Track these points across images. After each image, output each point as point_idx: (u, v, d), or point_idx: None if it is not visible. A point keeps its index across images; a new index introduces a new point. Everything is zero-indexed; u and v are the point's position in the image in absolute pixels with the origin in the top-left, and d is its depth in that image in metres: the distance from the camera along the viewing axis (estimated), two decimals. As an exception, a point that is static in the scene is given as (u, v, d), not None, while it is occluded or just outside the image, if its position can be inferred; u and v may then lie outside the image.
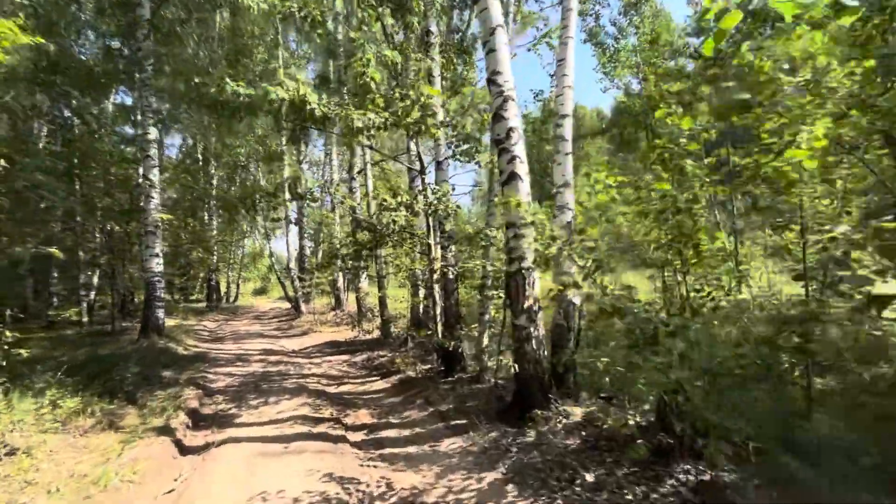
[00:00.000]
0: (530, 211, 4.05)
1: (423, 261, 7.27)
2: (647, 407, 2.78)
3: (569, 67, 5.10)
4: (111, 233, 13.99)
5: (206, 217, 22.70)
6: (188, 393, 6.02)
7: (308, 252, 22.08)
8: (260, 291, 43.35)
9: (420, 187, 6.35)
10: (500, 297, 5.81)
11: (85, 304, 16.54)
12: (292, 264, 15.07)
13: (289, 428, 4.66)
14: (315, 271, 10.89)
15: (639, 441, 2.61)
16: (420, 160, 6.35)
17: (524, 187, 4.26)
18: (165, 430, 4.57)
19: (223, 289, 28.73)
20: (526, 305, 4.10)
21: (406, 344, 8.30)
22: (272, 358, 8.60)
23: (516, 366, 4.02)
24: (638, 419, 2.74)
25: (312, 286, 14.28)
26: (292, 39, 14.99)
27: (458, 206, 6.16)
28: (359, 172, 12.00)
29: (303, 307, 15.12)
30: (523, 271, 4.13)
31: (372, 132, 4.89)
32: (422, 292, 8.78)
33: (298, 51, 15.54)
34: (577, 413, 3.97)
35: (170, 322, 15.27)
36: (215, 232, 22.81)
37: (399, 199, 5.23)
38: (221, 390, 6.43)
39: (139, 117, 10.02)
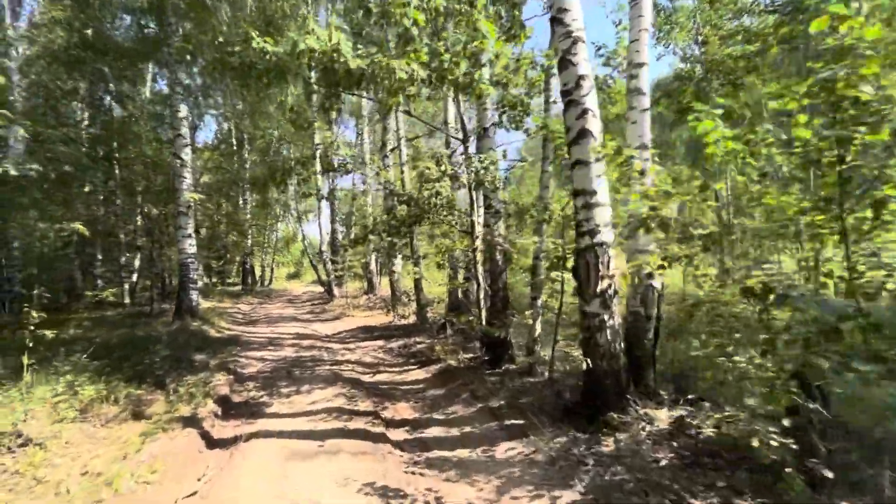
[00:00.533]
0: (608, 174, 3.34)
1: (464, 240, 6.65)
2: (784, 422, 2.07)
3: (645, 8, 4.28)
4: (149, 215, 14.11)
5: (240, 201, 22.88)
6: (219, 378, 5.70)
7: (340, 236, 21.92)
8: (293, 275, 44.08)
9: (463, 158, 5.69)
10: (554, 281, 5.14)
11: (126, 286, 16.95)
12: (324, 247, 14.80)
13: (323, 422, 4.21)
14: (348, 248, 10.42)
15: (787, 469, 1.92)
16: (463, 127, 5.68)
17: (596, 146, 3.54)
18: (192, 421, 4.20)
19: (258, 273, 29.22)
20: (600, 288, 3.42)
21: (444, 330, 7.76)
22: (305, 342, 8.27)
23: (588, 360, 3.36)
24: (774, 436, 2.04)
25: (345, 269, 13.96)
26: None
27: (506, 178, 5.48)
28: (392, 150, 11.43)
29: (335, 291, 14.87)
30: (597, 248, 3.44)
31: (413, 89, 4.25)
32: (461, 275, 8.18)
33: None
34: (662, 418, 3.30)
35: (205, 304, 15.39)
36: (249, 216, 22.97)
37: (443, 167, 4.60)
38: (253, 376, 6.09)
39: (170, 94, 9.75)
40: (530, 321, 5.21)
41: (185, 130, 9.57)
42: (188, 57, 9.26)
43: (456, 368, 5.79)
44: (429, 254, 8.82)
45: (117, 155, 14.21)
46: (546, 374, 4.86)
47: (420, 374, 5.98)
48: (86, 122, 14.80)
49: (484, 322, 5.86)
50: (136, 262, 16.85)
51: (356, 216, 19.67)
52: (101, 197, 15.74)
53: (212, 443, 3.90)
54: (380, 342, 8.10)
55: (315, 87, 5.88)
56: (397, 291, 11.00)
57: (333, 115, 12.50)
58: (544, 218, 4.59)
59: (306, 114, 10.83)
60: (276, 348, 7.78)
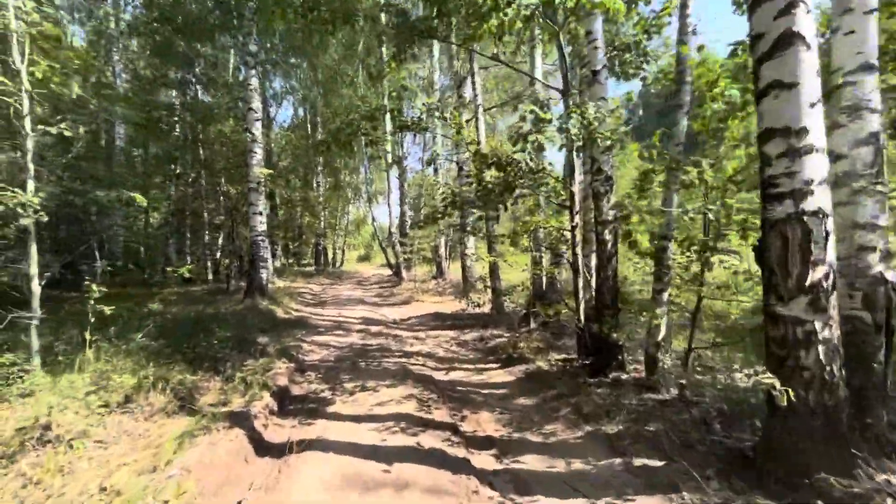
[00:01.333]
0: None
1: (559, 217, 5.52)
2: None
3: None
4: (227, 194, 14.53)
5: (314, 183, 23.30)
6: (279, 366, 5.17)
7: (408, 219, 21.57)
8: (363, 258, 45.19)
9: (564, 112, 4.53)
10: (682, 269, 3.88)
11: (209, 263, 17.82)
12: (393, 229, 14.31)
13: (390, 434, 3.40)
14: (422, 226, 9.67)
15: None
16: (565, 75, 4.50)
17: (810, 59, 2.27)
18: (243, 418, 3.60)
19: (330, 255, 30.02)
20: (810, 281, 2.19)
21: (526, 323, 6.72)
22: (373, 328, 7.66)
23: (786, 390, 2.16)
24: None
25: (414, 252, 13.34)
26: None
27: (626, 134, 4.24)
28: (468, 121, 10.41)
29: (404, 274, 14.36)
30: (806, 218, 2.21)
31: (510, 12, 3.20)
32: (545, 258, 7.04)
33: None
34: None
35: (279, 283, 15.66)
36: (322, 199, 23.33)
37: (548, 114, 3.49)
38: (315, 365, 5.51)
39: (241, 66, 9.52)
40: (650, 319, 4.00)
41: (256, 104, 9.30)
42: (258, 24, 8.89)
43: (547, 373, 4.76)
44: (503, 235, 7.74)
45: (201, 137, 14.76)
46: (676, 391, 3.67)
47: (502, 375, 5.02)
48: (177, 108, 15.44)
49: (582, 317, 4.75)
50: (220, 241, 17.68)
51: (426, 197, 19.05)
52: (190, 178, 16.62)
53: (260, 448, 3.25)
54: (452, 332, 7.26)
55: (387, 28, 5.03)
56: (470, 276, 10.10)
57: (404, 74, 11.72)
58: (687, 180, 3.33)
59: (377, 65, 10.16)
60: (343, 333, 7.25)
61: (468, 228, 10.39)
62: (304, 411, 4.10)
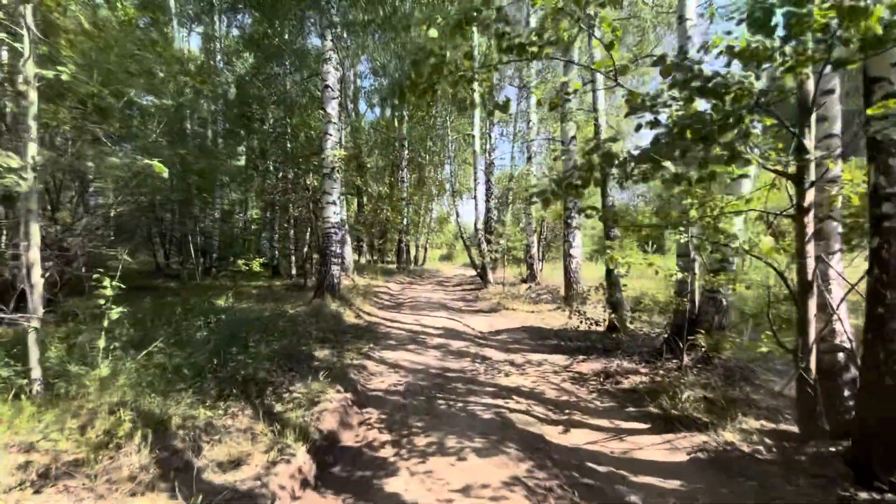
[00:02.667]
0: None
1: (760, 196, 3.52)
2: None
3: None
4: (308, 186, 14.16)
5: (399, 178, 22.67)
6: (331, 397, 3.82)
7: (494, 216, 19.95)
8: (446, 257, 44.47)
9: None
10: None
11: (294, 258, 17.78)
12: (479, 225, 12.78)
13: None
14: (535, 200, 7.85)
15: None
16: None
17: None
18: (256, 500, 2.24)
19: (412, 252, 29.46)
20: None
21: (672, 354, 4.69)
22: (454, 344, 6.13)
23: None
24: None
25: (503, 252, 11.64)
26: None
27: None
28: (574, 92, 8.45)
29: (490, 276, 12.72)
30: None
31: None
32: (696, 263, 4.92)
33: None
34: None
35: (358, 280, 14.93)
36: (405, 195, 22.61)
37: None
38: (379, 398, 4.09)
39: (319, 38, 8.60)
40: None
41: (332, 80, 8.29)
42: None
43: (751, 459, 2.79)
44: (635, 226, 5.67)
45: (289, 130, 14.56)
46: None
47: (660, 450, 3.13)
48: (266, 100, 15.46)
49: (813, 364, 2.73)
50: (307, 235, 17.62)
51: (515, 189, 17.24)
52: (280, 173, 16.74)
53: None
54: (560, 358, 5.44)
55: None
56: (575, 282, 8.16)
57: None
58: None
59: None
60: (419, 349, 5.81)
61: (574, 222, 8.44)
62: (351, 484, 2.65)
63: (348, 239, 16.07)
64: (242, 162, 17.14)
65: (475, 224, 12.99)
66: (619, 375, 4.52)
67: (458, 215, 16.90)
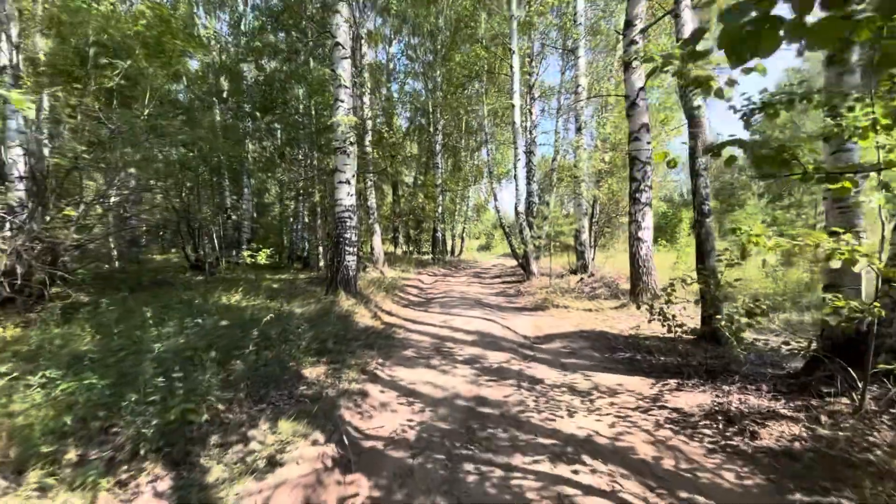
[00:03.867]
0: None
1: None
2: None
3: None
4: (311, 164, 13.28)
5: (433, 164, 21.32)
6: (304, 452, 2.51)
7: (536, 199, 18.16)
8: (484, 247, 42.86)
9: None
10: None
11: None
12: (520, 208, 11.14)
13: None
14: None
15: None
16: None
17: None
18: None
19: (448, 243, 28.10)
20: None
21: (834, 384, 3.00)
22: (492, 357, 4.66)
23: None
24: None
25: (550, 237, 9.98)
26: None
27: None
28: (642, 30, 6.65)
29: (533, 266, 11.08)
30: None
31: None
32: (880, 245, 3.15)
33: None
34: None
35: (388, 272, 13.73)
36: (440, 181, 21.20)
37: None
38: (376, 454, 2.69)
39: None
40: None
41: (343, 37, 6.94)
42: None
43: None
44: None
45: (314, 112, 13.55)
46: None
47: None
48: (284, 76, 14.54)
49: None
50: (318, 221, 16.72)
51: (560, 164, 15.39)
52: (306, 161, 15.88)
53: None
54: (641, 382, 3.85)
55: None
56: (646, 272, 6.45)
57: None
58: None
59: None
60: (443, 365, 4.39)
61: (644, 197, 6.70)
62: None
63: (378, 229, 14.89)
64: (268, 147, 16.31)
65: (515, 208, 11.38)
66: (747, 419, 2.89)
67: (496, 198, 15.26)
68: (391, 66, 22.66)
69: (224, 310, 6.36)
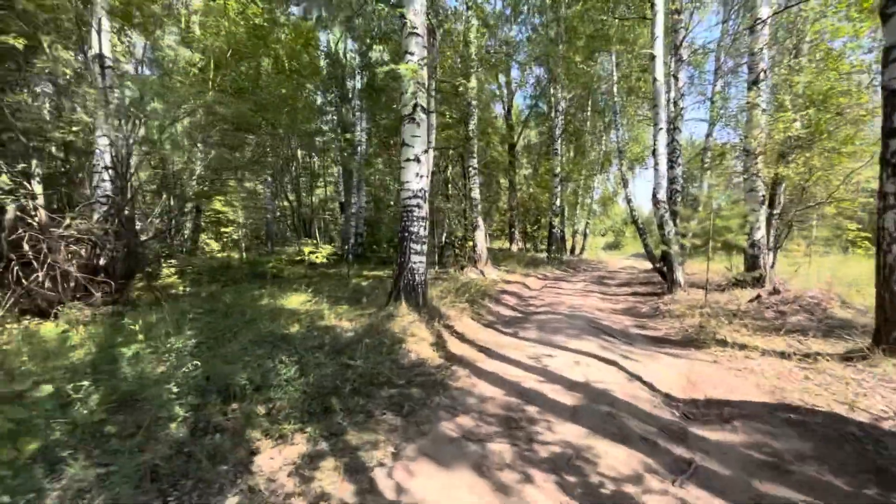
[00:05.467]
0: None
1: None
2: None
3: None
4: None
5: (552, 151, 18.81)
6: None
7: (679, 186, 14.43)
8: (611, 246, 38.25)
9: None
10: None
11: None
12: (661, 195, 8.24)
13: None
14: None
15: None
16: None
17: None
18: None
19: (568, 241, 25.04)
20: None
21: None
22: (605, 456, 2.51)
23: None
24: None
25: (702, 235, 7.03)
26: None
27: None
28: None
29: (677, 273, 8.13)
30: None
31: None
32: None
33: None
34: None
35: (491, 273, 11.91)
36: (558, 170, 18.56)
37: None
38: None
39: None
40: None
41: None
42: None
43: None
44: None
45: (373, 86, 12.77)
46: None
47: None
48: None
49: None
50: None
51: (714, 148, 11.69)
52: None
53: None
54: None
55: None
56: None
57: None
58: None
59: None
60: (506, 467, 2.41)
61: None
62: None
63: (481, 223, 13.13)
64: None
65: (653, 195, 8.54)
66: None
67: (626, 186, 12.27)
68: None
69: (270, 315, 5.28)
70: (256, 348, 3.74)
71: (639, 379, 3.78)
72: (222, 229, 17.87)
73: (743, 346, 4.53)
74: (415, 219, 5.41)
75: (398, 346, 4.14)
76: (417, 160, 5.44)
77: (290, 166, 17.10)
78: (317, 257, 7.07)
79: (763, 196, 7.91)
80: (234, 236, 18.50)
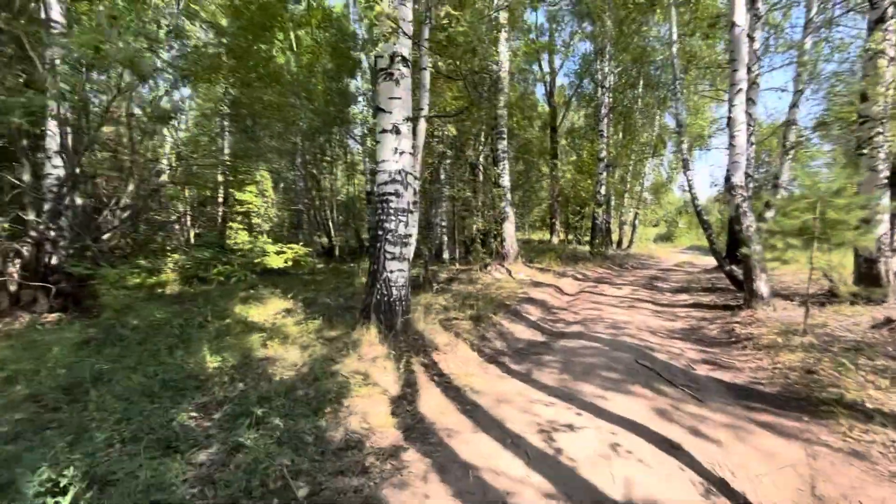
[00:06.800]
0: None
1: None
2: None
3: None
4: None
5: (598, 132, 16.71)
6: None
7: (751, 169, 12.02)
8: (663, 238, 35.09)
9: None
10: None
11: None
12: (736, 178, 6.26)
13: None
14: None
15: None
16: None
17: None
18: None
19: (615, 233, 22.67)
20: None
21: None
22: None
23: None
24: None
25: (805, 232, 5.08)
26: None
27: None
28: None
29: (759, 282, 6.17)
30: None
31: None
32: None
33: None
34: None
35: (520, 272, 10.30)
36: (603, 154, 16.42)
37: None
38: None
39: None
40: None
41: None
42: None
43: None
44: None
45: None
46: None
47: None
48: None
49: None
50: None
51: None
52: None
53: None
54: None
55: None
56: None
57: None
58: None
59: None
60: None
61: None
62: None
63: (510, 213, 11.45)
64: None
65: (726, 179, 6.61)
66: None
67: (686, 166, 10.18)
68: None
69: (214, 334, 4.08)
70: (126, 403, 2.49)
71: (724, 490, 2.17)
72: (252, 220, 17.31)
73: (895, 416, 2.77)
74: (391, 211, 3.96)
75: (340, 401, 2.75)
76: (396, 131, 3.97)
77: (314, 155, 16.07)
78: (276, 262, 5.78)
79: (885, 178, 5.79)
80: (265, 226, 17.93)
